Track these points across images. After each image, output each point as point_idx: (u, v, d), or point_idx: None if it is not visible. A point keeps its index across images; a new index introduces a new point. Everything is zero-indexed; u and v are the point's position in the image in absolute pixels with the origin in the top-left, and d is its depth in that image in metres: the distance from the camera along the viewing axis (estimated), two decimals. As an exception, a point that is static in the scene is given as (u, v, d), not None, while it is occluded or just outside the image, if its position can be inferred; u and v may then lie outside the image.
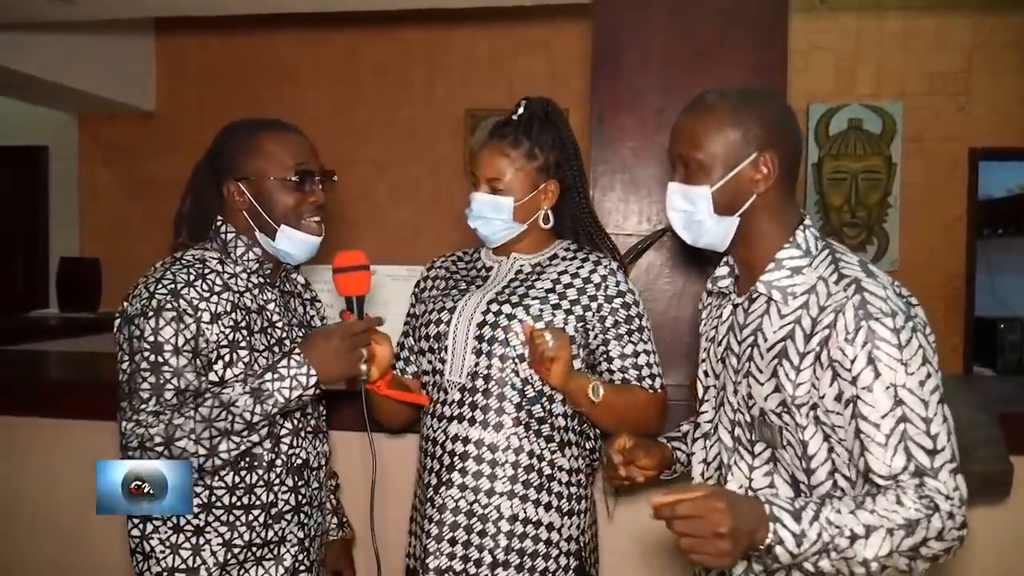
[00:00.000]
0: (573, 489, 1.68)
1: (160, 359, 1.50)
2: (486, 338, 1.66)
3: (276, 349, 1.63)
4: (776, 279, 1.35)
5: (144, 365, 1.50)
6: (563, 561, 1.65)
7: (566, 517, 1.67)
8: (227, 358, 1.56)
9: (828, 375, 1.26)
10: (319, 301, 1.84)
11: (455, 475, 1.65)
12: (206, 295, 1.55)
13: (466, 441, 1.65)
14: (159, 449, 1.46)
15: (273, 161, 1.63)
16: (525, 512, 1.64)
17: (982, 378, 4.24)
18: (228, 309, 1.57)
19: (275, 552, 1.62)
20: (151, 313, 1.52)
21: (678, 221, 1.44)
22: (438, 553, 1.64)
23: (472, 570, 1.63)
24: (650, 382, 1.70)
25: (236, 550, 1.58)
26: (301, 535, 1.65)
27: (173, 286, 1.54)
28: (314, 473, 1.69)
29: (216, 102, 4.97)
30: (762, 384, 1.34)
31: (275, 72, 4.99)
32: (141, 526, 1.58)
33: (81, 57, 4.45)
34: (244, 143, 1.66)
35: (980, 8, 4.43)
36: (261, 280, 1.66)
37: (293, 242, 1.64)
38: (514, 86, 4.65)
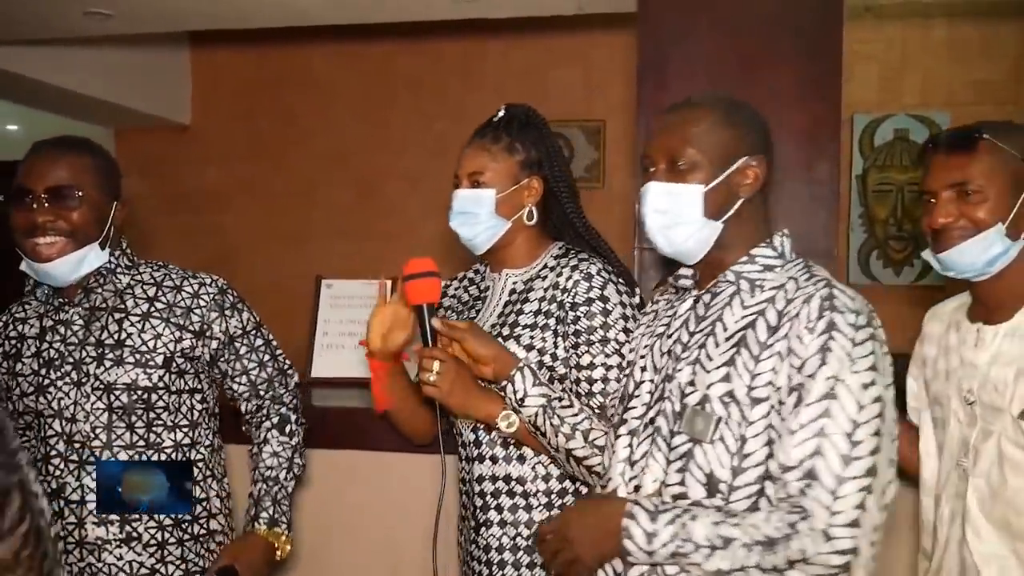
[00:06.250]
0: None
1: None
2: None
3: (44, 371, 1.65)
4: (746, 271, 1.33)
5: None
6: None
7: None
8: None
9: (786, 366, 1.22)
10: (132, 317, 1.69)
11: (491, 514, 1.61)
12: None
13: (494, 479, 1.61)
14: None
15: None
16: None
17: None
18: (2, 341, 1.72)
19: None
20: None
21: (657, 223, 1.34)
22: None
23: None
24: (600, 400, 1.56)
25: None
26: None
27: None
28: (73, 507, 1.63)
29: (251, 115, 4.98)
30: (709, 372, 1.28)
31: (309, 85, 4.98)
32: None
33: (118, 71, 4.47)
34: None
35: (1029, 16, 4.31)
36: (61, 301, 1.69)
37: (31, 269, 1.65)
38: (550, 98, 4.59)
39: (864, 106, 4.33)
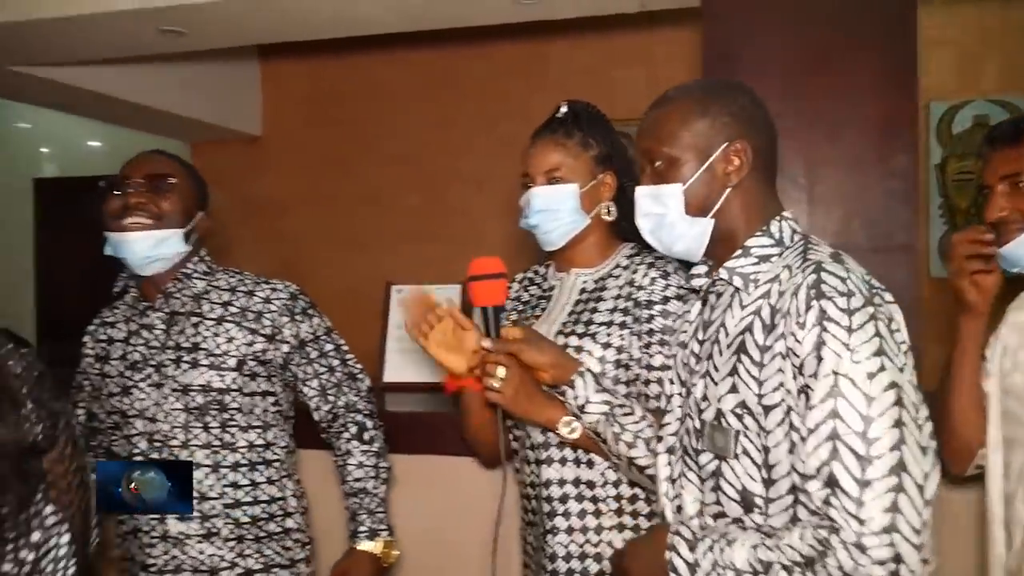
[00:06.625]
0: None
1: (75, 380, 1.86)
2: None
3: (128, 373, 1.73)
4: (740, 265, 1.25)
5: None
6: None
7: None
8: (87, 385, 1.83)
9: (789, 366, 1.13)
10: (208, 321, 1.75)
11: (558, 520, 1.57)
12: (91, 327, 1.86)
13: (562, 483, 1.57)
14: None
15: None
16: None
17: None
18: (93, 344, 1.82)
19: None
20: None
21: (647, 226, 1.32)
22: None
23: None
24: None
25: None
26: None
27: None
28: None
29: (318, 124, 5.07)
30: (717, 383, 1.22)
31: (374, 93, 5.05)
32: None
33: (192, 87, 4.61)
34: None
35: (1117, -9, 4.10)
36: (144, 305, 1.78)
37: (113, 245, 1.71)
38: (613, 96, 4.54)
39: (940, 93, 4.18)
